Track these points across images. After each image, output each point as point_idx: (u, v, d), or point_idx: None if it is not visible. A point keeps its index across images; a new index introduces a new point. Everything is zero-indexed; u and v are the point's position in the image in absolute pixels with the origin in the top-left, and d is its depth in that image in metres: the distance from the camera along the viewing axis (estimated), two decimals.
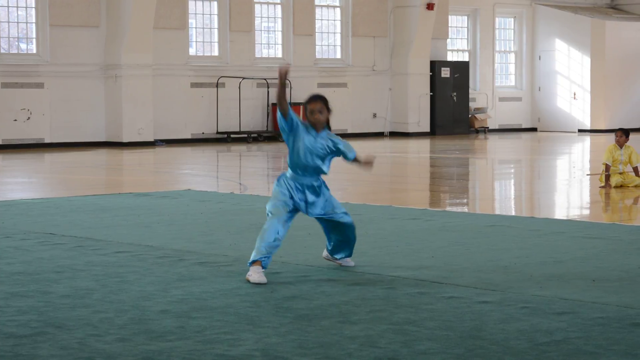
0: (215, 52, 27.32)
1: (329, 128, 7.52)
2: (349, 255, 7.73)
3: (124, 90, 24.80)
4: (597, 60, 32.25)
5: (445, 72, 30.79)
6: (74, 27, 24.72)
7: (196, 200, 12.63)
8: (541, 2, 33.48)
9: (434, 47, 30.71)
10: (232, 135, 26.76)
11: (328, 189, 7.54)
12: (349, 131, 29.38)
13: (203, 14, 27.23)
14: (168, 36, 26.05)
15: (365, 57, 29.81)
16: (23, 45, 24.94)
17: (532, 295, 6.59)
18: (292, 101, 27.25)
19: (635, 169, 14.77)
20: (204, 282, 7.12)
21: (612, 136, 16.56)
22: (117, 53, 24.82)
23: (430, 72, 30.47)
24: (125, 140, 24.83)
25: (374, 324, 5.79)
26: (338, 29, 29.71)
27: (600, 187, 14.58)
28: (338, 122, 29.07)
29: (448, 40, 31.64)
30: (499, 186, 16.41)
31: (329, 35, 29.66)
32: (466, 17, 32.83)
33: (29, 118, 24.22)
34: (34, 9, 24.53)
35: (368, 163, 7.59)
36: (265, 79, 27.04)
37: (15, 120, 24.06)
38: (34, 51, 24.64)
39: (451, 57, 32.10)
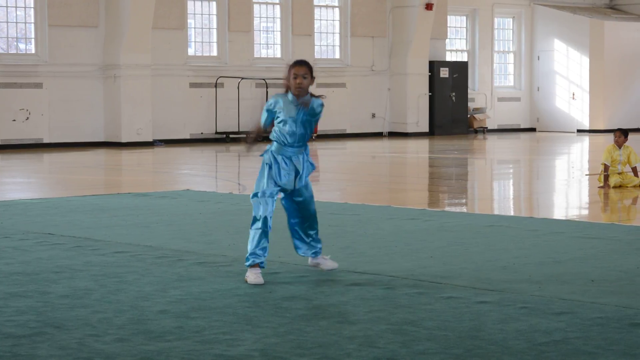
0: (214, 52, 27.32)
1: (312, 95, 7.35)
2: (318, 248, 7.47)
3: (122, 90, 24.80)
4: (596, 60, 32.26)
5: (444, 72, 30.80)
6: (72, 27, 24.72)
7: (195, 200, 12.63)
8: (540, 3, 33.49)
9: (433, 47, 30.72)
10: (230, 136, 26.76)
11: (311, 165, 7.39)
12: (348, 131, 29.40)
13: (202, 14, 27.23)
14: (167, 36, 26.05)
15: (364, 57, 29.82)
16: (22, 46, 24.94)
17: (530, 295, 6.60)
18: None
19: (634, 169, 14.77)
20: (203, 282, 7.12)
21: (610, 136, 16.56)
22: (116, 53, 24.82)
23: (429, 72, 30.47)
24: (124, 140, 24.82)
25: (373, 324, 5.79)
26: (337, 29, 29.71)
27: (599, 187, 14.58)
28: (337, 122, 29.09)
29: (447, 40, 31.64)
30: (497, 186, 16.41)
31: (328, 36, 29.66)
32: (465, 17, 32.84)
33: (27, 118, 24.22)
34: (32, 9, 24.53)
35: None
36: (264, 79, 27.03)
37: (14, 120, 24.06)
38: (33, 51, 24.64)
39: (450, 57, 32.10)
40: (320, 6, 29.36)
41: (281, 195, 7.37)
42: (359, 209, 11.68)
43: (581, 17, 32.61)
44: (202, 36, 27.35)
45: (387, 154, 23.94)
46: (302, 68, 7.25)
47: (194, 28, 27.22)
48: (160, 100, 25.81)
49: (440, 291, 6.75)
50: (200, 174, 18.39)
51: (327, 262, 7.51)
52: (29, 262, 8.00)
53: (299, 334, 5.56)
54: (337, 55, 29.72)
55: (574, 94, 32.70)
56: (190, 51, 26.98)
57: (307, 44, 28.69)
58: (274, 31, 28.54)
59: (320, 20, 29.44)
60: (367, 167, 20.09)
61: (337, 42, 29.73)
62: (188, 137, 26.48)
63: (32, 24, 24.58)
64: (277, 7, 28.44)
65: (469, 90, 31.75)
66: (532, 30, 33.63)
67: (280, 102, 7.28)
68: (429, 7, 29.64)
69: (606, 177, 14.60)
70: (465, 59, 32.48)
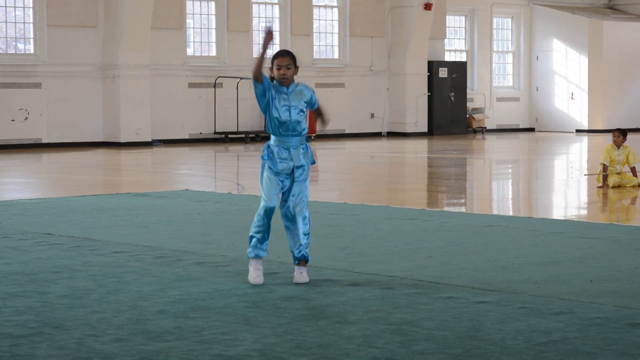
0: (213, 52, 27.32)
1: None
2: (304, 254, 7.18)
3: (121, 90, 24.79)
4: (595, 60, 32.27)
5: (443, 72, 30.80)
6: (71, 27, 24.71)
7: (194, 200, 12.63)
8: (539, 3, 33.49)
9: (432, 47, 30.72)
10: (229, 136, 26.76)
11: (309, 160, 7.24)
12: (347, 131, 29.40)
13: (201, 14, 27.22)
14: (166, 36, 26.04)
15: (363, 57, 29.82)
16: (20, 46, 24.93)
17: (529, 295, 6.60)
18: None
19: (632, 169, 14.78)
20: (202, 282, 7.12)
21: (609, 136, 16.56)
22: (115, 53, 24.82)
23: (428, 72, 30.47)
24: (122, 140, 24.82)
25: (372, 324, 5.79)
26: (336, 29, 29.71)
27: (597, 187, 14.59)
28: (336, 122, 29.07)
29: (446, 40, 31.64)
30: (496, 186, 16.42)
31: (327, 36, 29.66)
32: (464, 17, 32.84)
33: (26, 118, 24.21)
34: (31, 9, 24.52)
35: (324, 120, 7.33)
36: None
37: (13, 120, 24.05)
38: (32, 51, 24.63)
39: (449, 57, 32.10)
40: (319, 6, 29.36)
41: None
42: (358, 209, 11.68)
43: (580, 17, 32.62)
44: (201, 36, 27.34)
45: (386, 154, 23.94)
46: (285, 58, 7.19)
47: (193, 28, 27.21)
48: (159, 100, 25.80)
49: (439, 291, 6.76)
50: (199, 174, 18.39)
51: (299, 276, 7.14)
52: (28, 262, 8.00)
53: (298, 334, 5.56)
54: (336, 55, 29.72)
55: (572, 94, 32.70)
56: (189, 51, 26.98)
57: (306, 44, 28.68)
58: (272, 31, 28.51)
59: (319, 20, 29.44)
60: (366, 167, 20.09)
61: (335, 42, 29.73)
62: (187, 137, 26.48)
63: (31, 24, 24.58)
64: (276, 7, 28.44)
65: (467, 90, 31.75)
66: (531, 30, 33.63)
67: (273, 88, 7.19)
68: (427, 7, 29.64)
69: (605, 177, 14.61)
70: (464, 59, 32.48)
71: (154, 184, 16.00)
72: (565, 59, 32.90)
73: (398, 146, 26.02)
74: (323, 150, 24.10)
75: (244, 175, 17.95)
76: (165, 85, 26.02)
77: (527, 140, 29.22)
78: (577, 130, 32.43)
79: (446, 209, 12.60)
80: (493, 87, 33.26)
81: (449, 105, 30.98)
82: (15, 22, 24.62)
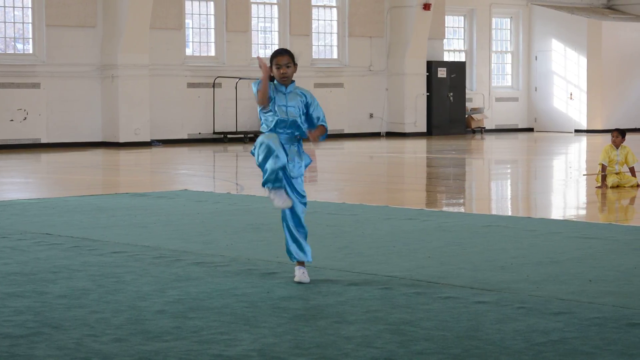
0: (212, 53, 27.32)
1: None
2: (304, 255, 7.16)
3: (120, 90, 24.79)
4: (594, 60, 32.28)
5: (442, 73, 30.80)
6: (70, 27, 24.71)
7: (193, 200, 12.63)
8: (537, 3, 33.50)
9: (431, 48, 30.72)
10: (228, 136, 26.76)
11: (304, 160, 7.20)
12: (346, 131, 29.39)
13: (199, 14, 27.22)
14: (164, 36, 26.04)
15: (362, 57, 29.82)
16: (19, 46, 24.92)
17: (528, 295, 6.60)
18: None
19: (631, 169, 14.78)
20: (201, 282, 7.12)
21: (608, 136, 16.56)
22: (114, 53, 24.81)
23: (427, 72, 30.47)
24: (121, 140, 24.82)
25: (371, 324, 5.79)
26: (334, 29, 29.71)
27: (596, 187, 14.59)
28: (335, 122, 29.08)
29: (444, 40, 31.64)
30: (495, 186, 16.42)
31: (326, 36, 29.66)
32: (463, 18, 32.85)
33: (25, 118, 24.21)
34: (30, 9, 24.51)
35: (316, 140, 7.22)
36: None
37: (12, 120, 24.04)
38: (31, 51, 24.62)
39: (448, 57, 32.11)
40: (318, 6, 29.36)
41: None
42: (357, 209, 11.68)
43: (579, 17, 32.63)
44: (200, 36, 27.34)
45: (385, 154, 23.95)
46: (284, 57, 7.17)
47: (192, 28, 27.21)
48: (158, 101, 25.80)
49: (438, 291, 6.76)
50: (198, 174, 18.39)
51: (300, 275, 7.13)
52: (27, 262, 7.99)
53: (297, 334, 5.56)
54: (335, 56, 29.72)
55: (571, 94, 32.71)
56: (188, 51, 26.97)
57: (304, 44, 28.68)
58: (271, 31, 28.54)
59: (318, 20, 29.44)
60: (365, 167, 20.09)
61: (334, 42, 29.73)
62: (186, 137, 26.47)
63: (30, 24, 24.57)
64: (275, 7, 28.44)
65: (466, 91, 31.76)
66: (529, 31, 33.63)
67: (272, 88, 7.18)
68: (426, 7, 29.64)
69: (604, 177, 14.61)
70: (463, 59, 32.48)
71: (152, 184, 16.00)
72: (564, 59, 32.90)
73: (397, 146, 26.02)
74: (322, 150, 24.09)
75: (243, 176, 17.95)
76: (164, 86, 26.02)
77: (526, 140, 29.23)
78: (576, 131, 32.44)
79: (445, 209, 12.60)
80: (492, 87, 33.26)
81: (448, 105, 30.98)
82: (14, 22, 24.61)
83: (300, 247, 7.15)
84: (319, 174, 17.47)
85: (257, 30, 28.28)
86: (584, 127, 32.35)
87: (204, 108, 26.70)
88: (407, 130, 30.06)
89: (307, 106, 7.25)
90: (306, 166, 7.26)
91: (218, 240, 9.18)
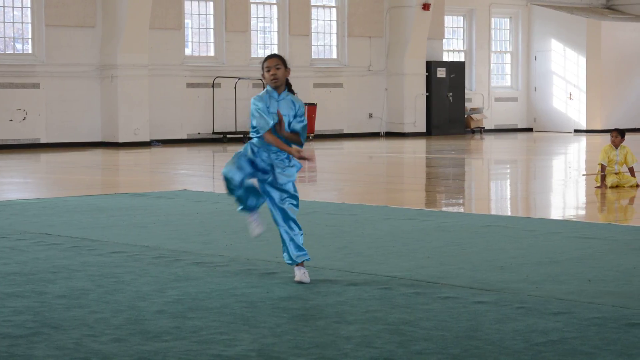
0: (211, 53, 27.31)
1: (291, 91, 7.25)
2: (295, 258, 7.15)
3: (119, 90, 24.79)
4: (593, 60, 32.28)
5: (441, 73, 30.81)
6: (69, 27, 24.70)
7: (192, 200, 12.63)
8: (537, 3, 33.50)
9: (430, 48, 30.72)
10: (228, 136, 26.75)
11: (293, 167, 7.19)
12: (345, 131, 29.40)
13: (199, 14, 27.22)
14: (164, 36, 26.04)
15: (361, 58, 29.82)
16: (19, 46, 24.92)
17: (528, 295, 6.60)
18: None
19: (630, 169, 14.78)
20: (200, 282, 7.12)
21: (607, 136, 16.56)
22: (113, 53, 24.81)
23: (426, 72, 30.47)
24: (121, 140, 24.81)
25: (370, 324, 5.79)
26: (334, 29, 29.71)
27: (596, 187, 14.59)
28: (334, 122, 29.09)
29: (444, 40, 31.65)
30: (494, 186, 16.42)
31: (325, 36, 29.66)
32: (462, 18, 32.85)
33: (24, 118, 24.20)
34: (29, 9, 24.51)
35: (302, 157, 7.14)
36: (261, 79, 26.96)
37: (11, 120, 24.04)
38: (30, 51, 24.62)
39: (447, 57, 32.11)
40: (318, 6, 29.36)
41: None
42: (356, 209, 11.68)
43: (578, 17, 32.63)
44: (199, 36, 27.34)
45: (384, 154, 23.95)
46: (274, 60, 7.18)
47: (191, 28, 27.21)
48: (158, 101, 25.80)
49: (437, 291, 6.76)
50: (198, 174, 18.39)
51: (301, 275, 7.14)
52: (26, 262, 7.99)
53: (296, 334, 5.56)
54: (334, 56, 29.72)
55: (571, 94, 32.71)
56: (188, 51, 26.97)
57: (304, 44, 28.69)
58: (271, 31, 28.54)
59: (318, 20, 29.44)
60: (364, 167, 20.09)
61: (334, 42, 29.73)
62: (185, 137, 26.47)
63: (29, 24, 24.57)
64: (274, 7, 28.44)
65: (466, 91, 31.76)
66: (529, 31, 33.64)
67: (264, 98, 7.19)
68: (426, 7, 29.64)
69: (603, 177, 14.61)
70: (462, 59, 32.48)
71: (152, 184, 16.00)
72: (563, 59, 32.91)
73: (396, 146, 26.02)
74: (321, 150, 24.09)
75: None
76: (163, 86, 26.01)
77: (525, 140, 29.23)
78: (575, 131, 32.44)
79: (444, 209, 12.60)
80: (491, 87, 33.27)
81: (447, 105, 30.98)
82: (13, 22, 24.61)
83: (299, 248, 7.15)
84: (318, 174, 17.47)
85: (257, 30, 28.28)
86: (583, 127, 32.36)
87: (204, 108, 26.70)
88: (407, 130, 30.06)
89: (294, 116, 7.20)
90: (297, 170, 7.25)
91: (217, 240, 9.18)
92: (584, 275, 7.35)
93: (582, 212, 12.49)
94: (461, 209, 12.74)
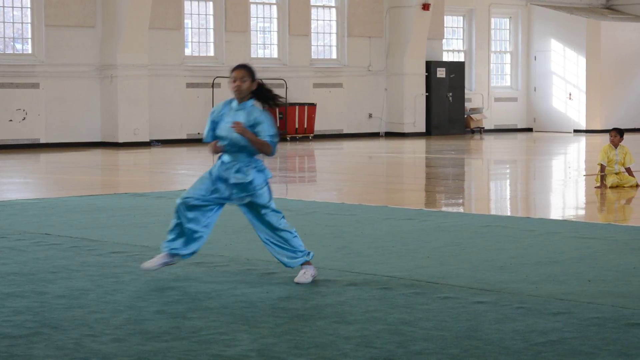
0: (211, 53, 27.31)
1: (267, 101, 7.25)
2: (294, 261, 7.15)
3: (119, 90, 24.78)
4: (593, 60, 32.28)
5: (441, 73, 30.80)
6: (69, 28, 24.70)
7: None
8: (537, 3, 33.50)
9: (430, 48, 30.72)
10: None
11: (263, 175, 7.16)
12: (345, 131, 29.40)
13: (199, 14, 27.22)
14: (164, 36, 26.04)
15: (361, 58, 29.81)
16: (18, 46, 24.92)
17: (527, 295, 6.60)
18: (287, 102, 27.26)
19: (628, 170, 14.75)
20: (200, 282, 7.12)
21: (607, 136, 16.55)
22: (113, 53, 24.81)
23: (426, 72, 30.47)
24: (120, 140, 24.81)
25: (370, 324, 5.79)
26: (334, 29, 29.70)
27: (595, 187, 14.58)
28: (334, 122, 29.09)
29: (444, 40, 31.64)
30: (494, 186, 16.42)
31: (325, 36, 29.66)
32: (462, 18, 32.85)
33: (24, 118, 24.20)
34: (29, 9, 24.51)
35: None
36: (260, 80, 26.97)
37: (11, 120, 24.03)
38: (30, 51, 24.62)
39: (447, 57, 32.11)
40: (317, 6, 29.35)
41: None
42: (356, 209, 11.68)
43: (578, 17, 32.63)
44: (199, 36, 27.33)
45: (384, 154, 23.95)
46: (241, 71, 7.23)
47: (191, 28, 27.20)
48: (157, 101, 25.80)
49: (437, 291, 6.76)
50: (197, 174, 18.31)
51: (302, 276, 7.14)
52: (26, 262, 7.99)
53: (296, 334, 5.56)
54: (334, 56, 29.72)
55: (570, 94, 32.71)
56: (187, 51, 26.97)
57: (303, 44, 28.68)
58: (270, 31, 28.53)
59: (317, 20, 29.44)
60: (364, 168, 20.09)
61: (334, 42, 29.72)
62: (185, 137, 26.47)
63: (29, 24, 24.56)
64: (274, 7, 28.44)
65: (465, 91, 31.75)
66: (528, 31, 33.64)
67: (220, 106, 7.24)
68: (425, 7, 29.64)
69: (602, 178, 14.60)
70: (462, 59, 32.48)
71: (152, 184, 16.00)
72: (563, 59, 32.91)
73: (396, 146, 26.02)
74: (321, 151, 24.10)
75: None
76: (163, 86, 26.01)
77: (525, 140, 29.23)
78: (575, 131, 32.44)
79: (444, 209, 12.60)
80: (491, 88, 33.26)
81: (447, 105, 30.98)
82: (13, 22, 24.61)
83: (294, 251, 7.13)
84: (318, 174, 17.47)
85: (256, 31, 28.28)
86: (583, 127, 32.35)
87: (203, 108, 26.68)
88: (406, 130, 30.06)
89: (255, 124, 7.14)
90: (265, 180, 7.17)
91: (217, 241, 9.18)
92: (584, 275, 7.35)
93: (582, 212, 12.50)
94: (461, 209, 12.74)
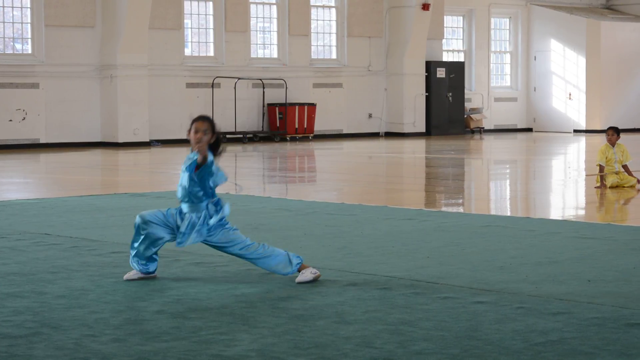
0: (211, 53, 27.32)
1: (217, 151, 7.17)
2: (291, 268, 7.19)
3: (119, 90, 24.79)
4: (593, 60, 32.29)
5: (441, 73, 30.81)
6: (69, 28, 24.71)
7: None
8: (537, 3, 33.51)
9: (430, 48, 30.73)
10: (227, 136, 26.74)
11: (220, 219, 7.23)
12: (345, 131, 29.40)
13: (198, 14, 27.22)
14: (163, 36, 26.04)
15: (361, 58, 29.82)
16: (18, 46, 24.92)
17: (527, 295, 6.60)
18: (288, 102, 27.27)
19: (625, 167, 14.73)
20: (200, 282, 7.12)
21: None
22: (113, 53, 24.81)
23: (426, 72, 30.48)
24: (120, 140, 24.82)
25: (370, 324, 5.79)
26: (333, 29, 29.71)
27: (595, 187, 14.58)
28: (334, 122, 29.10)
29: (443, 40, 31.65)
30: (494, 186, 16.42)
31: (325, 36, 29.66)
32: (461, 18, 32.85)
33: (24, 118, 24.21)
34: (29, 9, 24.51)
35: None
36: (260, 80, 27.02)
37: (11, 120, 24.04)
38: (29, 51, 24.62)
39: (447, 57, 32.11)
40: (317, 6, 29.36)
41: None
42: (356, 209, 11.68)
43: (578, 17, 32.64)
44: (199, 36, 27.34)
45: (384, 154, 23.95)
46: (204, 123, 7.16)
47: (191, 28, 27.21)
48: (157, 101, 25.81)
49: (436, 291, 6.75)
50: None
51: (302, 275, 7.16)
52: (26, 262, 7.99)
53: (296, 334, 5.56)
54: (334, 56, 29.73)
55: (570, 94, 32.72)
56: (187, 51, 26.98)
57: (303, 44, 28.69)
58: (270, 31, 28.54)
59: (317, 20, 29.44)
60: (363, 168, 20.09)
61: (333, 42, 29.73)
62: (185, 137, 26.44)
63: (29, 24, 24.57)
64: (274, 7, 28.44)
65: (465, 91, 31.77)
66: (528, 31, 33.64)
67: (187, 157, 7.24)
68: (425, 7, 29.65)
69: (602, 177, 14.60)
70: (462, 59, 32.49)
71: (151, 184, 16.00)
72: (562, 59, 32.91)
73: (396, 146, 26.02)
74: (321, 151, 24.10)
75: (242, 176, 17.95)
76: (163, 86, 26.02)
77: (525, 140, 29.23)
78: (575, 131, 32.45)
79: (444, 209, 12.60)
80: (491, 88, 33.27)
81: (447, 105, 30.99)
82: (12, 22, 24.61)
83: (285, 262, 7.15)
84: (318, 174, 17.47)
85: (256, 31, 28.28)
86: (583, 127, 32.36)
87: (203, 108, 26.68)
88: (406, 130, 30.07)
89: (193, 165, 7.14)
90: (220, 220, 7.21)
91: None
92: (584, 275, 7.35)
93: (582, 212, 12.49)
94: (461, 209, 12.74)
